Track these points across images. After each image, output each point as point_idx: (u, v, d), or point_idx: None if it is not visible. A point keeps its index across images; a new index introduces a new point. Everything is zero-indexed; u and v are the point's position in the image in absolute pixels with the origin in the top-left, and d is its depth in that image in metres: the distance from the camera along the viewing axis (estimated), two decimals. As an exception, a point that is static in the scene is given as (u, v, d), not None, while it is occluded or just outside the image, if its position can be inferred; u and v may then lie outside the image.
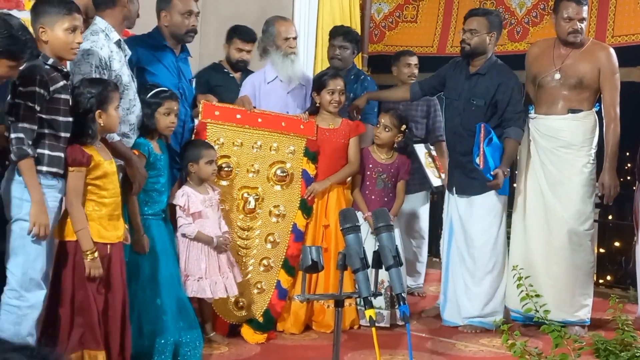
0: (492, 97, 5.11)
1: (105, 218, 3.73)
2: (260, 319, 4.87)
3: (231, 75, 5.52)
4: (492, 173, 4.99)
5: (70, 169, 3.61)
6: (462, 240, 5.27)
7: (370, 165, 5.28)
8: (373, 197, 5.27)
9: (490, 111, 5.13)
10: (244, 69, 5.52)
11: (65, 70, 3.62)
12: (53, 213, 3.55)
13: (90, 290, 3.67)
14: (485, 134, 5.00)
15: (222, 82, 5.44)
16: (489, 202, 5.18)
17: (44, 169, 3.52)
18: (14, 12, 4.36)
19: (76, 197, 3.62)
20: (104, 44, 4.00)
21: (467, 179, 5.21)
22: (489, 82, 5.13)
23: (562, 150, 5.12)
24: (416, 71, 6.19)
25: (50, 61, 3.54)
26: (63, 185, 3.62)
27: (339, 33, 5.78)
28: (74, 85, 3.71)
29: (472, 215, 5.22)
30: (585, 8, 5.04)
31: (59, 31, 3.58)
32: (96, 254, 3.64)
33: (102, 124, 3.68)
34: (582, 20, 5.03)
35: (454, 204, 5.33)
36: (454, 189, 5.31)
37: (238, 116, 4.91)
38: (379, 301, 5.08)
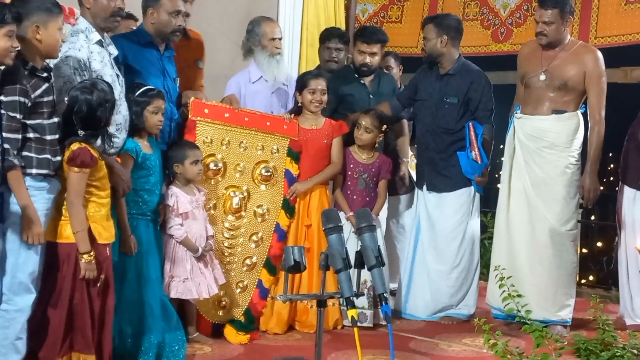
0: (464, 95, 5.34)
1: (104, 218, 3.76)
2: (242, 319, 4.86)
3: (362, 82, 5.63)
4: (483, 170, 5.28)
5: (76, 169, 3.61)
6: (429, 236, 5.44)
7: (352, 165, 5.30)
8: (355, 197, 5.29)
9: (463, 109, 5.35)
10: (369, 74, 5.60)
11: (44, 74, 3.59)
12: (44, 215, 3.54)
13: (84, 293, 3.67)
14: (475, 131, 5.23)
15: (352, 90, 5.55)
16: (459, 199, 5.40)
17: (34, 171, 3.52)
18: None
19: (78, 197, 3.64)
20: (83, 44, 3.99)
21: (438, 176, 5.42)
22: (461, 81, 5.36)
23: (546, 151, 5.14)
24: (396, 70, 6.20)
25: (29, 65, 3.51)
26: (53, 185, 3.62)
27: (334, 35, 5.79)
28: (82, 93, 3.69)
29: (442, 212, 5.42)
30: (550, 12, 5.02)
31: (53, 30, 3.57)
32: (93, 256, 3.64)
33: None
34: (546, 23, 5.06)
35: (422, 200, 5.51)
36: (424, 186, 5.48)
37: (226, 115, 4.91)
38: (362, 301, 5.09)
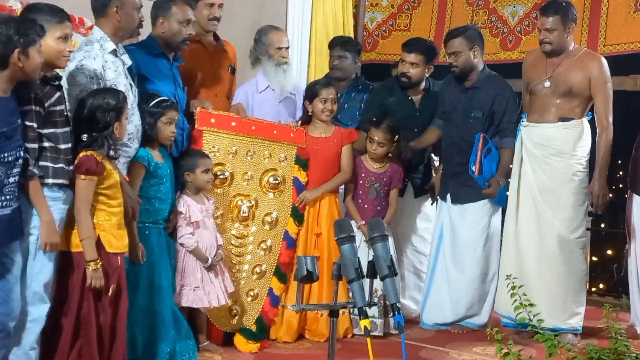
0: (489, 109, 5.29)
1: (115, 227, 3.76)
2: (253, 327, 4.86)
3: (410, 97, 5.60)
4: (486, 182, 5.20)
5: (82, 177, 3.63)
6: (451, 245, 5.40)
7: (363, 175, 5.29)
8: (366, 206, 5.28)
9: (487, 122, 5.31)
10: (409, 85, 5.52)
11: (56, 82, 3.62)
12: (58, 226, 3.56)
13: (92, 303, 3.67)
14: (483, 143, 5.18)
15: (398, 104, 5.52)
16: (481, 211, 5.36)
17: (50, 181, 3.54)
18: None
19: (85, 205, 3.65)
20: (98, 54, 4.00)
21: (462, 187, 5.37)
22: (485, 95, 5.30)
23: (553, 159, 5.14)
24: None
25: (40, 74, 3.53)
26: (68, 195, 3.63)
27: (337, 43, 5.80)
28: (88, 97, 3.74)
29: (464, 222, 5.37)
30: (551, 19, 5.03)
31: (51, 40, 3.57)
32: (99, 265, 3.64)
33: (117, 135, 3.75)
34: (548, 30, 5.06)
35: (446, 210, 5.46)
36: (448, 197, 5.44)
37: (233, 124, 4.92)
38: (373, 310, 5.07)
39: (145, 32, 4.74)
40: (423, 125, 5.56)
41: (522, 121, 5.27)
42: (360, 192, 5.29)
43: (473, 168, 5.15)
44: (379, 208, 5.28)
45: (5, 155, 3.31)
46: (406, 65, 5.47)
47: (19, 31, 3.32)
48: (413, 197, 5.74)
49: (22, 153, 3.37)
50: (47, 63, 3.59)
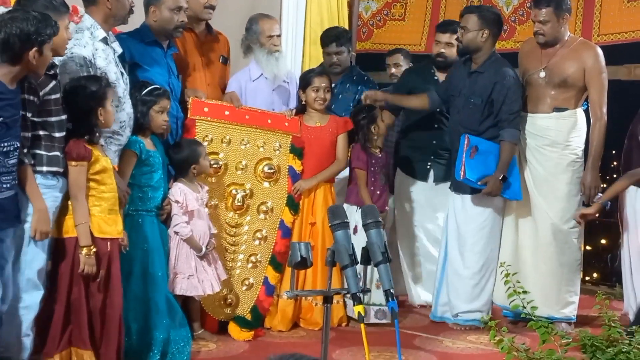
0: (488, 96, 5.08)
1: (105, 212, 3.76)
2: (248, 316, 4.87)
3: (436, 77, 5.61)
4: (480, 182, 4.99)
5: (73, 163, 3.64)
6: (455, 238, 5.26)
7: (374, 162, 5.25)
8: (378, 192, 5.24)
9: (487, 110, 5.09)
10: (446, 65, 5.53)
11: (52, 72, 3.61)
12: (52, 214, 3.55)
13: (82, 288, 3.68)
14: (468, 144, 4.97)
15: (423, 87, 5.52)
16: (482, 203, 5.15)
17: (44, 169, 3.54)
18: (1, 9, 4.33)
19: (79, 191, 3.66)
20: (88, 41, 3.99)
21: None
22: (486, 81, 5.10)
23: (547, 149, 5.14)
24: (395, 70, 6.16)
25: None
26: (63, 183, 3.63)
27: (331, 40, 5.65)
28: (69, 85, 3.74)
29: (466, 214, 5.21)
30: (544, 11, 5.01)
31: (61, 29, 3.57)
32: (93, 251, 3.65)
33: (102, 121, 3.73)
34: (541, 22, 5.04)
35: (451, 201, 5.31)
36: (452, 186, 5.30)
37: (226, 113, 4.91)
38: (380, 297, 5.02)
39: (137, 19, 4.71)
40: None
41: None
42: (372, 179, 5.24)
43: (460, 172, 4.96)
44: (385, 192, 5.32)
45: (5, 144, 3.30)
46: (442, 46, 5.55)
47: (38, 29, 3.32)
48: (433, 182, 5.65)
49: (19, 143, 3.37)
50: (53, 52, 3.58)
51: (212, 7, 5.08)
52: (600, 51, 5.13)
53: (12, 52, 3.30)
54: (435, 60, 5.62)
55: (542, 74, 5.13)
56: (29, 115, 3.44)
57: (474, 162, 4.97)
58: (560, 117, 5.12)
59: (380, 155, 5.30)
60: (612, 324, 3.70)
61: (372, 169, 5.25)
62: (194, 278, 4.47)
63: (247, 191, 4.95)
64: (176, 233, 4.46)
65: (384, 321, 5.08)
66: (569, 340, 3.67)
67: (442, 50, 5.57)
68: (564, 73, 5.08)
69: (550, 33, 5.07)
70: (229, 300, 4.85)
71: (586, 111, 5.17)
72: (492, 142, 5.05)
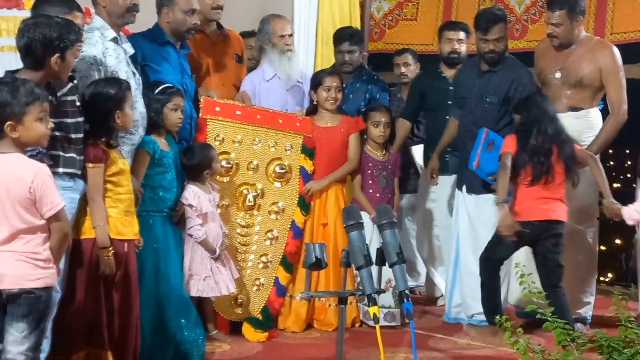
0: (505, 94, 5.07)
1: (121, 214, 3.77)
2: (259, 316, 4.87)
3: (443, 75, 5.67)
4: (490, 177, 4.97)
5: (91, 165, 3.66)
6: (469, 239, 5.22)
7: (370, 164, 5.26)
8: (377, 195, 5.24)
9: (503, 108, 5.09)
10: (458, 62, 5.59)
11: (69, 73, 3.61)
12: (70, 215, 3.55)
13: (100, 289, 3.68)
14: (485, 137, 4.97)
15: (432, 85, 5.62)
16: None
17: (60, 170, 3.54)
18: (14, 12, 4.35)
19: (97, 192, 3.68)
20: (98, 40, 4.02)
21: (477, 177, 5.12)
22: (502, 79, 5.09)
23: None
24: (404, 69, 6.15)
25: None
26: (79, 185, 3.64)
27: (344, 38, 5.69)
28: (88, 87, 3.75)
29: (480, 214, 5.16)
30: (557, 13, 4.97)
31: None
32: (112, 252, 3.66)
33: (120, 124, 3.75)
34: (554, 24, 4.99)
35: (462, 202, 5.28)
36: (464, 187, 5.26)
37: (238, 112, 4.91)
38: (389, 300, 5.04)
39: (145, 19, 4.70)
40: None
41: None
42: (370, 181, 5.26)
43: (474, 162, 4.96)
44: (389, 196, 5.28)
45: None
46: (453, 43, 5.61)
47: (60, 35, 3.32)
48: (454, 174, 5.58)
49: (42, 147, 3.37)
50: None
51: (220, 7, 5.08)
52: (616, 50, 5.09)
53: (35, 58, 3.32)
54: (448, 58, 5.63)
55: (558, 75, 5.09)
56: None
57: (489, 156, 4.95)
58: (575, 116, 5.08)
59: (382, 159, 5.29)
60: (629, 325, 3.67)
61: (369, 171, 5.25)
62: (211, 279, 4.47)
63: (259, 191, 4.95)
64: (190, 235, 4.46)
65: (392, 324, 5.06)
66: (585, 341, 3.65)
67: (455, 46, 5.61)
68: (580, 73, 5.04)
69: (563, 35, 5.03)
70: (240, 301, 4.85)
71: (602, 110, 5.12)
72: None
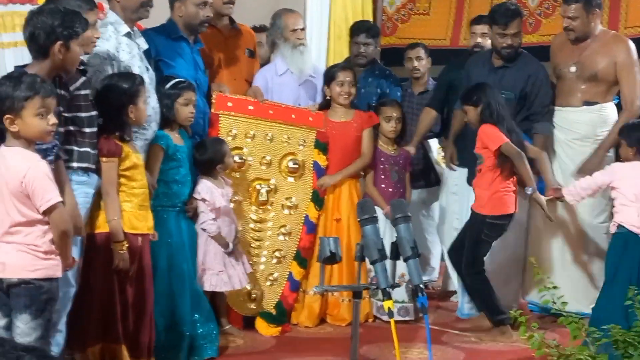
0: (521, 90, 5.05)
1: (136, 208, 3.77)
2: (273, 311, 4.87)
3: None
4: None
5: (104, 159, 3.67)
6: None
7: (382, 159, 5.25)
8: (390, 189, 5.22)
9: (519, 104, 5.07)
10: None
11: (81, 67, 3.62)
12: (84, 209, 3.56)
13: (114, 283, 3.69)
14: None
15: (458, 77, 5.48)
16: None
17: (75, 165, 3.55)
18: (27, 7, 4.35)
19: (111, 186, 3.69)
20: (111, 35, 4.03)
21: None
22: (517, 74, 5.07)
23: (577, 143, 5.08)
24: (416, 63, 6.06)
25: None
26: (93, 179, 3.64)
27: (361, 30, 5.69)
28: (102, 82, 3.77)
29: None
30: (573, 7, 4.93)
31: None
32: (125, 246, 3.66)
33: (133, 118, 3.75)
34: (571, 18, 4.96)
35: (466, 197, 5.25)
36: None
37: (250, 107, 4.91)
38: (402, 294, 5.04)
39: (158, 14, 4.71)
40: None
41: None
42: (383, 176, 5.25)
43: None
44: (401, 190, 5.26)
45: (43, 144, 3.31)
46: (477, 36, 5.58)
47: (63, 23, 3.28)
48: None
49: (57, 140, 3.37)
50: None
51: (232, 2, 5.08)
52: (632, 44, 5.05)
53: (38, 46, 3.28)
54: (473, 52, 5.58)
55: (573, 69, 5.06)
56: (61, 110, 3.45)
57: None
58: (590, 110, 5.05)
59: (393, 154, 5.28)
60: (645, 320, 3.65)
61: (381, 166, 5.24)
62: (224, 274, 4.47)
63: (272, 186, 4.95)
64: (203, 230, 4.46)
65: (406, 318, 5.06)
66: (600, 336, 3.63)
67: (479, 40, 5.57)
68: (595, 67, 5.01)
69: (580, 29, 5.00)
70: (254, 296, 4.85)
71: (617, 105, 5.09)
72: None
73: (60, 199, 2.96)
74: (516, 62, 5.10)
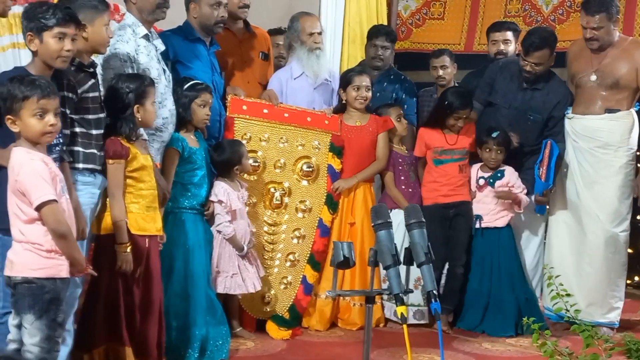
0: (549, 112, 5.14)
1: (143, 209, 3.76)
2: (286, 315, 4.87)
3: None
4: (545, 191, 5.07)
5: (110, 161, 3.66)
6: None
7: (400, 160, 5.24)
8: (410, 190, 5.23)
9: (543, 125, 5.17)
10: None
11: (91, 69, 3.63)
12: (89, 210, 3.57)
13: (120, 285, 3.69)
14: (551, 151, 4.99)
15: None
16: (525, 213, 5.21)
17: (80, 166, 3.55)
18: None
19: (117, 188, 3.67)
20: (130, 37, 4.04)
21: None
22: (546, 98, 5.14)
23: (599, 151, 5.03)
24: (442, 72, 5.98)
25: (76, 61, 3.53)
26: (99, 180, 3.64)
27: (381, 33, 5.68)
28: (110, 82, 3.76)
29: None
30: (597, 17, 4.89)
31: (100, 27, 3.58)
32: (129, 248, 3.66)
33: (140, 119, 3.73)
34: (594, 29, 4.92)
35: None
36: None
37: (265, 111, 4.91)
38: (418, 298, 5.04)
39: (175, 16, 4.73)
40: None
41: (567, 113, 5.14)
42: (402, 177, 5.23)
43: (539, 172, 4.99)
44: (418, 190, 5.27)
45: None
46: (499, 44, 5.63)
47: (35, 15, 3.23)
48: None
49: (61, 139, 3.38)
50: (92, 50, 3.62)
51: (247, 6, 5.09)
52: None
53: (24, 36, 3.29)
54: (494, 59, 5.59)
55: (594, 77, 5.02)
56: (67, 112, 3.46)
57: (552, 171, 5.01)
58: (612, 118, 5.01)
59: (407, 154, 5.28)
60: (659, 329, 3.63)
61: (400, 167, 5.23)
62: (238, 277, 4.48)
63: (286, 189, 4.95)
64: (219, 232, 4.46)
65: (422, 322, 5.06)
66: (614, 345, 3.61)
67: (501, 47, 5.61)
68: (616, 74, 4.97)
69: (604, 39, 4.96)
70: (267, 299, 4.85)
71: (638, 112, 5.06)
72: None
73: (52, 197, 2.94)
74: (547, 84, 5.14)
